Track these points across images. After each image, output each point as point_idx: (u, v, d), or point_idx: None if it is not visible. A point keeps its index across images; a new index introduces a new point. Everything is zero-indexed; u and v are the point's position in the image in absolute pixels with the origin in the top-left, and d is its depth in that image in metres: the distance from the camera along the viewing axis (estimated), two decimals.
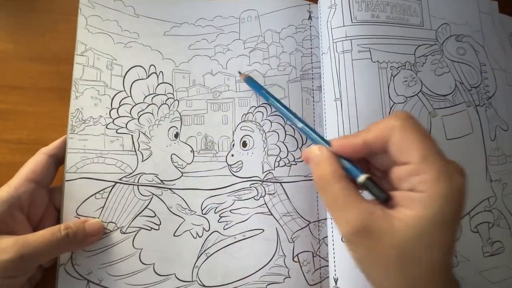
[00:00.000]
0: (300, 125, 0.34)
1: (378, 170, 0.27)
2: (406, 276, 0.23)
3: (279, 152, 0.39)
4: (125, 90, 0.39)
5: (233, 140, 0.39)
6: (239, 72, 0.41)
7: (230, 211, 0.38)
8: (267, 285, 0.37)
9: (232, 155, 0.39)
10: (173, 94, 0.40)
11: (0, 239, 0.30)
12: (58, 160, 0.36)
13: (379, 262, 0.23)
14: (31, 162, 0.35)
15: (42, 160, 0.35)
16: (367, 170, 0.27)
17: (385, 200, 0.24)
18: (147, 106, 0.39)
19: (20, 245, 0.30)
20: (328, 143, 0.28)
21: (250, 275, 0.37)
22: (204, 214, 0.38)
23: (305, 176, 0.39)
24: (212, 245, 0.37)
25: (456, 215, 0.22)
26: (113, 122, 0.38)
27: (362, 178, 0.25)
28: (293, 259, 0.37)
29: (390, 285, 0.24)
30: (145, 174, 0.38)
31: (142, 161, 0.38)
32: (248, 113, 0.40)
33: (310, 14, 0.43)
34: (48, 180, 0.35)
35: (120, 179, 0.37)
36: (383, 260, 0.23)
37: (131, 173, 0.38)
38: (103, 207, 0.37)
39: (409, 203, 0.23)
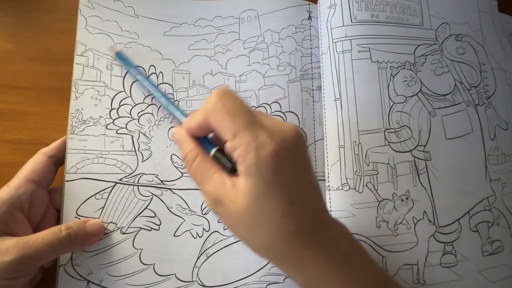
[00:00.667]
0: (164, 101, 0.34)
1: None
2: (258, 235, 0.26)
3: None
4: (125, 91, 0.39)
5: None
6: (109, 47, 0.40)
7: None
8: (267, 285, 0.37)
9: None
10: (173, 94, 0.40)
11: (1, 240, 0.30)
12: (58, 160, 0.36)
13: (235, 225, 0.27)
14: (31, 162, 0.35)
15: (42, 160, 0.35)
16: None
17: (232, 170, 0.26)
18: (147, 107, 0.39)
19: (21, 246, 0.30)
20: (184, 116, 0.30)
21: (250, 275, 0.37)
22: (204, 214, 0.38)
23: None
24: (212, 245, 0.37)
25: (275, 178, 0.24)
26: (113, 122, 0.38)
27: (212, 151, 0.28)
28: None
29: (252, 243, 0.27)
30: (145, 174, 0.38)
31: (142, 161, 0.38)
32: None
33: (309, 14, 0.43)
34: (48, 180, 0.36)
35: (120, 180, 0.37)
36: (236, 224, 0.26)
37: (131, 174, 0.38)
38: (103, 207, 0.37)
39: (240, 174, 0.25)
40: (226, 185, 0.26)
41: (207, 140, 0.29)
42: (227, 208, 0.26)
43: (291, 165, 0.25)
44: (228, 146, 0.25)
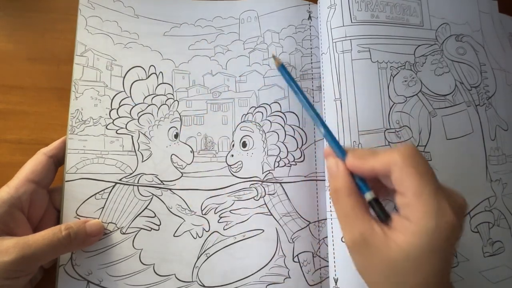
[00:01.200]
0: (323, 131, 0.34)
1: (388, 188, 0.30)
2: None
3: (279, 152, 0.39)
4: (125, 91, 0.39)
5: (233, 141, 0.40)
6: (273, 56, 0.40)
7: (230, 211, 0.38)
8: (267, 285, 0.37)
9: (232, 156, 0.39)
10: (173, 94, 0.40)
11: (1, 240, 0.30)
12: (57, 160, 0.37)
13: (373, 271, 0.27)
14: (31, 162, 0.35)
15: (42, 160, 0.35)
16: (380, 185, 0.30)
17: (385, 220, 0.27)
18: (147, 107, 0.39)
19: (21, 246, 0.30)
20: (343, 152, 0.31)
21: (250, 276, 0.37)
22: (204, 214, 0.38)
23: (305, 176, 0.39)
24: (212, 245, 0.37)
25: (444, 247, 0.25)
26: (113, 122, 0.38)
27: (368, 197, 0.28)
28: (293, 260, 0.37)
29: None
30: (145, 174, 0.38)
31: (142, 161, 0.38)
32: (248, 113, 0.40)
33: (309, 14, 0.43)
34: (48, 180, 0.36)
35: (120, 180, 0.37)
36: (376, 271, 0.26)
37: (131, 174, 0.38)
38: (103, 207, 0.37)
39: (403, 229, 0.25)
40: (376, 230, 0.26)
41: (363, 181, 0.29)
42: (373, 254, 0.26)
43: (456, 237, 0.26)
44: (405, 202, 0.26)
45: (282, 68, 0.39)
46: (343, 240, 0.36)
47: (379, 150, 0.30)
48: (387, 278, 0.26)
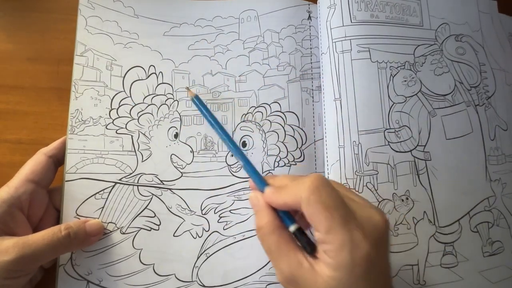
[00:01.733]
0: (242, 163, 0.34)
1: None
2: None
3: (279, 152, 0.39)
4: (124, 91, 0.39)
5: None
6: (187, 88, 0.40)
7: (230, 211, 0.38)
8: (267, 285, 0.37)
9: (232, 155, 0.39)
10: (172, 94, 0.40)
11: (1, 240, 0.30)
12: (57, 160, 0.37)
13: None
14: (31, 162, 0.35)
15: (42, 160, 0.35)
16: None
17: (311, 252, 0.27)
18: (147, 107, 0.39)
19: (21, 246, 0.30)
20: (263, 184, 0.30)
21: (250, 275, 0.37)
22: (204, 214, 0.38)
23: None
24: (212, 245, 0.37)
25: (366, 277, 0.25)
26: (112, 122, 0.38)
27: (292, 228, 0.28)
28: None
29: None
30: (145, 174, 0.38)
31: (142, 161, 0.38)
32: (247, 113, 0.40)
33: (309, 14, 0.43)
34: (47, 180, 0.36)
35: (120, 180, 0.37)
36: None
37: (131, 174, 0.38)
38: (103, 207, 0.37)
39: (326, 263, 0.25)
40: (304, 265, 0.26)
41: (286, 214, 0.29)
42: None
43: (380, 261, 0.26)
44: (320, 238, 0.25)
45: (196, 99, 0.37)
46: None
47: (296, 178, 0.29)
48: None
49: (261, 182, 0.31)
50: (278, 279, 0.27)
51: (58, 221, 0.36)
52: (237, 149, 0.34)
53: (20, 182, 0.33)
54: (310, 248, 0.27)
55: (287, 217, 0.29)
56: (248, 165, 0.32)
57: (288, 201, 0.27)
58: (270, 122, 0.40)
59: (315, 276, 0.25)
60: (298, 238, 0.28)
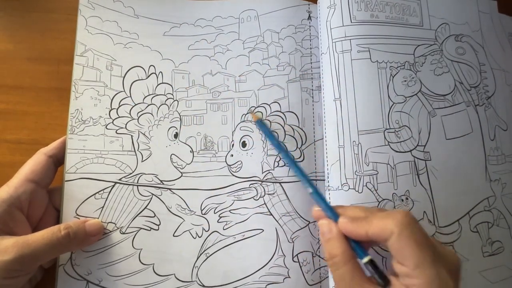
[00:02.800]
0: (310, 190, 0.34)
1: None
2: None
3: (279, 152, 0.39)
4: (124, 91, 0.39)
5: (232, 140, 0.40)
6: (251, 112, 0.40)
7: (229, 211, 0.38)
8: (267, 285, 0.37)
9: (232, 155, 0.39)
10: (172, 94, 0.40)
11: (1, 239, 0.30)
12: (57, 160, 0.37)
13: None
14: (31, 162, 0.35)
15: (42, 160, 0.35)
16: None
17: (385, 285, 0.27)
18: (147, 107, 0.39)
19: (21, 246, 0.30)
20: (335, 214, 0.31)
21: (249, 275, 0.37)
22: (204, 214, 0.38)
23: None
24: (212, 245, 0.37)
25: None
26: (112, 122, 0.38)
27: (365, 259, 0.28)
28: (292, 259, 0.37)
29: None
30: (145, 174, 0.38)
31: (142, 161, 0.38)
32: (247, 113, 0.40)
33: (309, 14, 0.43)
34: (47, 180, 0.36)
35: (120, 180, 0.37)
36: None
37: (130, 174, 0.38)
38: (102, 207, 0.37)
39: None
40: None
41: (358, 245, 0.29)
42: None
43: None
44: (405, 272, 0.26)
45: (260, 124, 0.39)
46: None
47: (373, 211, 0.30)
48: None
49: (332, 211, 0.31)
50: None
51: (58, 221, 0.36)
52: (305, 177, 0.35)
53: (20, 182, 0.33)
54: (384, 281, 0.27)
55: (360, 248, 0.29)
56: (317, 194, 0.33)
57: (371, 232, 0.27)
58: (270, 122, 0.40)
59: None
60: (371, 271, 0.28)
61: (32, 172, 0.34)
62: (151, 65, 0.40)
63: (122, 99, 0.39)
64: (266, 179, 0.39)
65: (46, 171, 0.35)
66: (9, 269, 0.30)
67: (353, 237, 0.29)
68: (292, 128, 0.40)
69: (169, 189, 0.38)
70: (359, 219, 0.29)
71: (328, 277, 0.37)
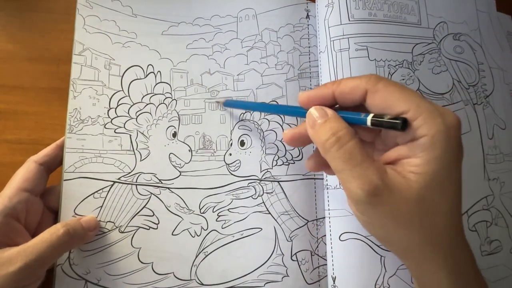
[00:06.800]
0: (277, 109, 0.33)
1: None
2: (425, 227, 0.23)
3: (277, 151, 0.40)
4: (123, 90, 0.39)
5: (231, 139, 0.40)
6: (217, 102, 0.40)
7: (228, 210, 0.38)
8: (265, 283, 0.37)
9: (230, 154, 0.39)
10: (171, 93, 0.40)
11: (4, 251, 0.30)
12: (48, 168, 0.36)
13: (399, 218, 0.23)
14: (22, 170, 0.34)
15: (33, 168, 0.34)
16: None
17: (404, 126, 0.23)
18: (145, 106, 0.39)
19: (23, 254, 0.30)
20: (303, 112, 0.28)
21: (248, 274, 0.37)
22: (202, 213, 0.38)
23: (303, 175, 0.39)
24: (211, 243, 0.37)
25: (458, 150, 0.23)
26: (111, 121, 0.38)
27: (369, 118, 0.24)
28: (291, 258, 0.37)
29: (409, 240, 0.24)
30: (143, 173, 0.38)
31: (140, 160, 0.38)
32: (246, 112, 0.40)
33: (307, 13, 0.43)
34: (40, 188, 0.35)
35: (119, 179, 0.38)
36: (403, 215, 0.23)
37: (129, 173, 0.38)
38: (101, 206, 0.37)
39: (414, 153, 0.23)
40: (389, 172, 0.23)
41: (354, 113, 0.25)
42: (398, 196, 0.23)
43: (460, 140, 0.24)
44: (408, 116, 0.23)
45: (228, 103, 0.39)
46: (341, 238, 0.36)
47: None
48: (416, 217, 0.23)
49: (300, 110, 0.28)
50: (358, 195, 0.23)
51: (55, 223, 0.36)
52: (292, 108, 0.32)
53: (14, 192, 0.33)
54: (401, 120, 0.22)
55: (356, 114, 0.25)
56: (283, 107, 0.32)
57: (343, 91, 0.25)
58: (268, 121, 0.40)
59: (404, 174, 0.23)
60: (380, 122, 0.23)
61: (25, 181, 0.33)
62: (150, 64, 0.40)
63: (121, 99, 0.39)
64: (264, 178, 0.39)
65: (38, 179, 0.34)
66: (18, 279, 0.29)
67: (318, 102, 0.26)
68: (290, 127, 0.40)
69: (168, 188, 0.38)
70: (333, 82, 0.26)
71: (326, 275, 0.37)
